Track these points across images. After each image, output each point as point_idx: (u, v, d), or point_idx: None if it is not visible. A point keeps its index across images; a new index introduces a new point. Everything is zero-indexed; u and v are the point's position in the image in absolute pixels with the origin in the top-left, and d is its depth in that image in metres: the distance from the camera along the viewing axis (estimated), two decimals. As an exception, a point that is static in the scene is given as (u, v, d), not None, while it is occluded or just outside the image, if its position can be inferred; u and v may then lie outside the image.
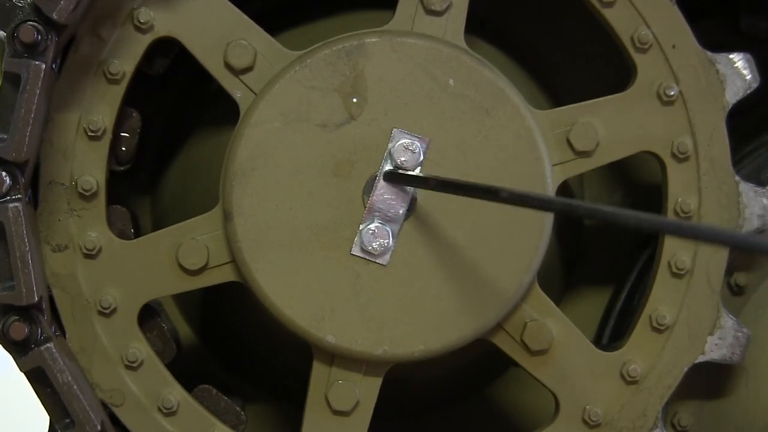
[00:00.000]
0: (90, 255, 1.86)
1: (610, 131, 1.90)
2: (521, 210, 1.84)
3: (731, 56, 1.93)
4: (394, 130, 1.83)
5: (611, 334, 2.22)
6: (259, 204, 1.82)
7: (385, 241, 1.83)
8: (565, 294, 2.31)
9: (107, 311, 1.86)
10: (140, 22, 1.82)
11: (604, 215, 1.45)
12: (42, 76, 1.70)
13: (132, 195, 2.22)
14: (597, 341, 2.18)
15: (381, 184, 1.83)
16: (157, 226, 2.18)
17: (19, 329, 1.75)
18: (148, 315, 1.97)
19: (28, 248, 1.73)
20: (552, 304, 1.93)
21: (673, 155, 1.92)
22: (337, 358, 1.88)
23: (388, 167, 1.83)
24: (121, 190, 2.05)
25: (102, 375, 1.88)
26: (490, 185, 1.74)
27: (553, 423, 1.95)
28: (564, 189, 1.96)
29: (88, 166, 1.85)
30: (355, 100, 1.83)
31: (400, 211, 1.83)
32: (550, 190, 1.86)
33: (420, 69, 1.83)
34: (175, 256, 1.85)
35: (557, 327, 1.92)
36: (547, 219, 1.86)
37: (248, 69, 1.85)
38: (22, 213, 1.72)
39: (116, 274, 1.86)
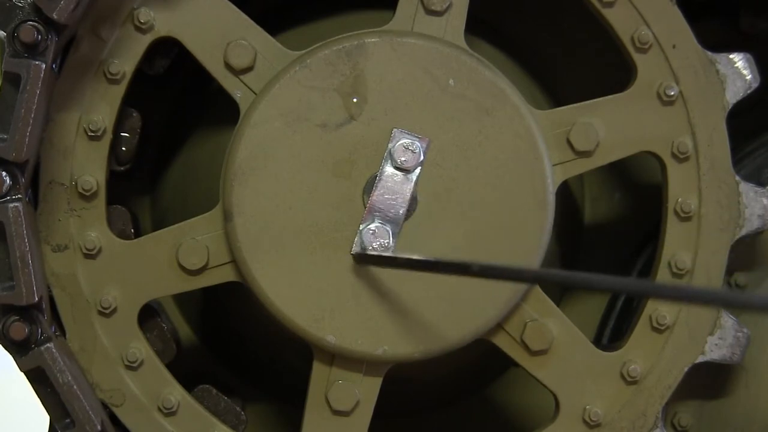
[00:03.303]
0: (90, 255, 1.85)
1: (610, 131, 1.90)
2: (521, 210, 1.84)
3: (731, 56, 1.93)
4: (395, 130, 1.83)
5: (611, 334, 2.22)
6: (259, 204, 1.82)
7: (385, 241, 1.83)
8: (565, 294, 2.31)
9: (107, 311, 1.86)
10: (140, 22, 1.82)
11: (581, 281, 1.41)
12: (42, 76, 1.70)
13: (132, 195, 2.22)
14: (597, 341, 2.18)
15: (381, 184, 1.83)
16: (157, 226, 2.18)
17: (19, 329, 1.75)
18: (148, 315, 1.97)
19: (28, 248, 1.72)
20: (552, 304, 1.92)
21: (673, 155, 1.92)
22: (337, 358, 1.88)
23: (388, 168, 1.83)
24: (121, 190, 2.05)
25: (102, 375, 1.87)
26: (460, 261, 1.71)
27: (553, 423, 1.95)
28: (564, 189, 1.96)
29: (88, 166, 1.84)
30: (355, 100, 1.83)
31: (400, 211, 1.83)
32: (550, 190, 1.86)
33: (420, 69, 1.83)
34: (175, 256, 1.85)
35: (557, 327, 1.92)
36: (547, 219, 1.86)
37: (248, 69, 1.85)
38: (22, 213, 1.72)
39: (116, 274, 1.86)
